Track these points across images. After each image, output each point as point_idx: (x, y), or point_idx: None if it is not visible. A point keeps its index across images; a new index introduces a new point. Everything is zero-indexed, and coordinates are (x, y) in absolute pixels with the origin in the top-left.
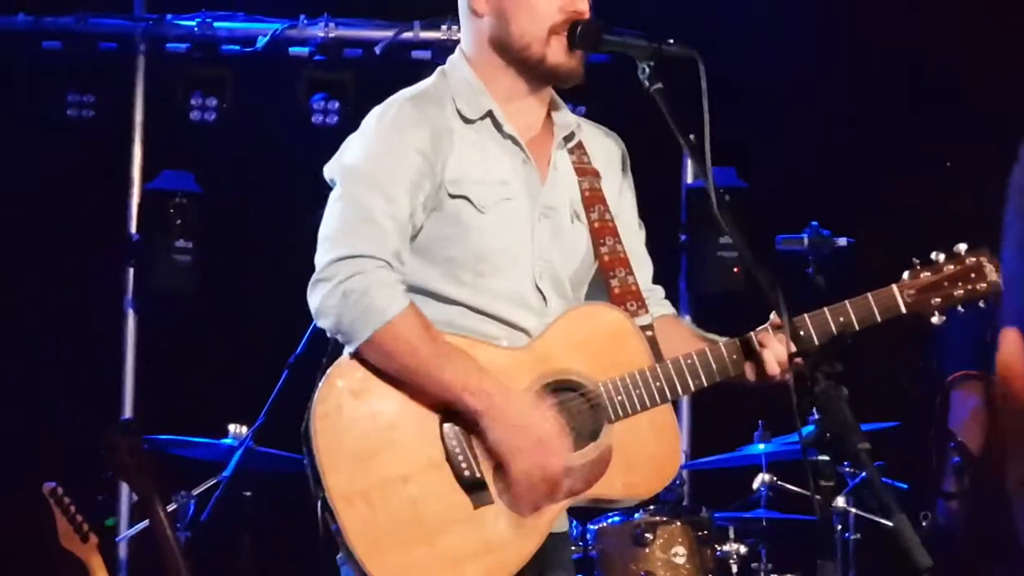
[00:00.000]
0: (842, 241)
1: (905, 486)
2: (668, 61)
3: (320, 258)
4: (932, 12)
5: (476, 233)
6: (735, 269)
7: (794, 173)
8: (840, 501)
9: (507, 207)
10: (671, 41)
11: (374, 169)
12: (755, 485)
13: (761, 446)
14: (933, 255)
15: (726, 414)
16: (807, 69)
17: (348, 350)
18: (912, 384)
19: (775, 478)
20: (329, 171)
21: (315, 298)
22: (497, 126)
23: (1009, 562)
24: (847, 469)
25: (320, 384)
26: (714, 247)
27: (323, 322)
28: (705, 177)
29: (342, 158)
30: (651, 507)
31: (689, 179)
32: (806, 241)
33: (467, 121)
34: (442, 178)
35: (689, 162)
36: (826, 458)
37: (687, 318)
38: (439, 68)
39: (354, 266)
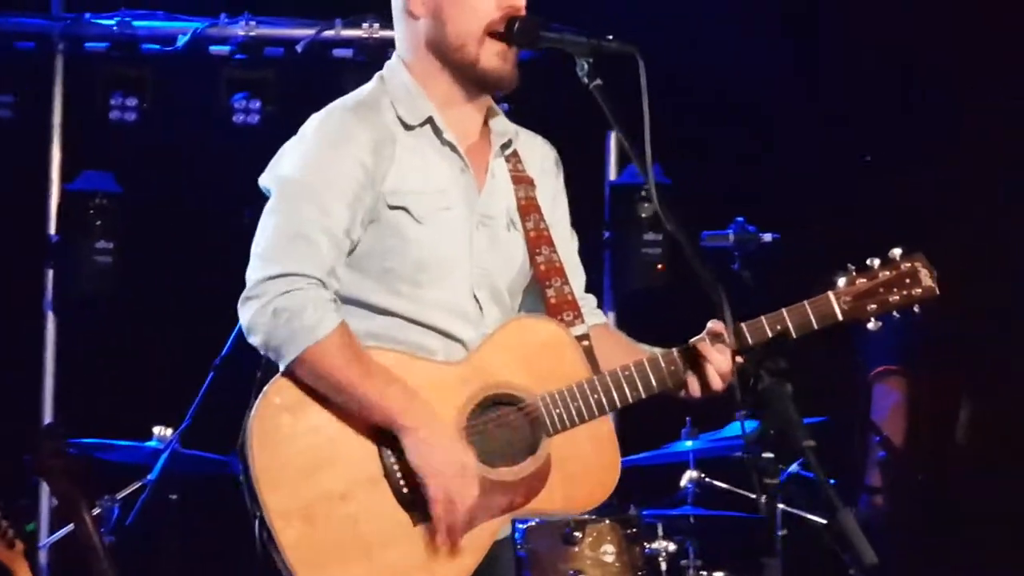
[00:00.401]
0: (768, 237)
1: (832, 481)
2: (607, 58)
3: (251, 275)
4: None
5: (415, 244)
6: (659, 266)
7: (718, 169)
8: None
9: (445, 216)
10: (610, 38)
11: (312, 181)
12: (683, 482)
13: (688, 443)
14: (868, 261)
15: (653, 411)
16: (728, 63)
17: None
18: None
19: (703, 475)
20: (264, 181)
21: (245, 315)
22: (437, 132)
23: (928, 555)
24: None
25: (257, 401)
26: (638, 244)
27: (253, 340)
28: (645, 174)
29: (278, 168)
30: None
31: (612, 176)
32: (731, 237)
33: (407, 127)
34: (381, 190)
35: (612, 159)
36: (770, 455)
37: (611, 315)
38: (377, 74)
39: (285, 284)
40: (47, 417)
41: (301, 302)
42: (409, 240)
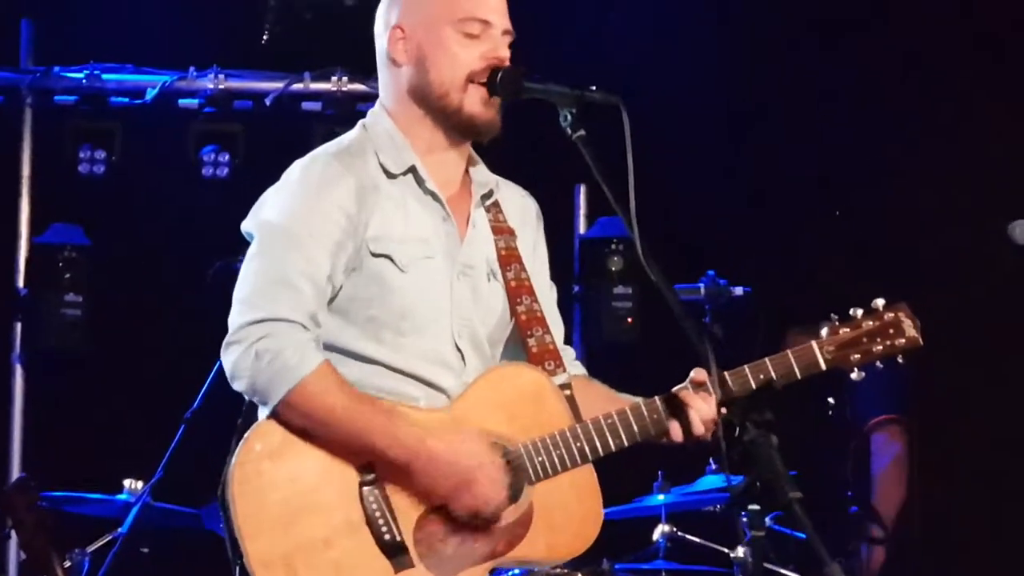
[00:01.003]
0: (739, 291)
1: (804, 536)
2: (590, 108)
3: (234, 320)
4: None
5: (398, 292)
6: (628, 320)
7: (688, 221)
8: (740, 551)
9: (428, 265)
10: (593, 88)
11: (295, 228)
12: (655, 536)
13: (660, 497)
14: (852, 311)
15: (624, 464)
16: (696, 111)
17: (264, 412)
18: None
19: (675, 529)
20: (247, 226)
21: (228, 360)
22: (419, 181)
23: None
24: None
25: (238, 448)
26: (608, 298)
27: (238, 385)
28: (630, 225)
29: (261, 213)
30: None
31: (581, 230)
32: (703, 291)
33: (390, 176)
34: (364, 237)
35: (581, 213)
36: (756, 507)
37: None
38: (360, 122)
39: (266, 328)
40: (15, 471)
41: (282, 344)
42: (393, 288)
